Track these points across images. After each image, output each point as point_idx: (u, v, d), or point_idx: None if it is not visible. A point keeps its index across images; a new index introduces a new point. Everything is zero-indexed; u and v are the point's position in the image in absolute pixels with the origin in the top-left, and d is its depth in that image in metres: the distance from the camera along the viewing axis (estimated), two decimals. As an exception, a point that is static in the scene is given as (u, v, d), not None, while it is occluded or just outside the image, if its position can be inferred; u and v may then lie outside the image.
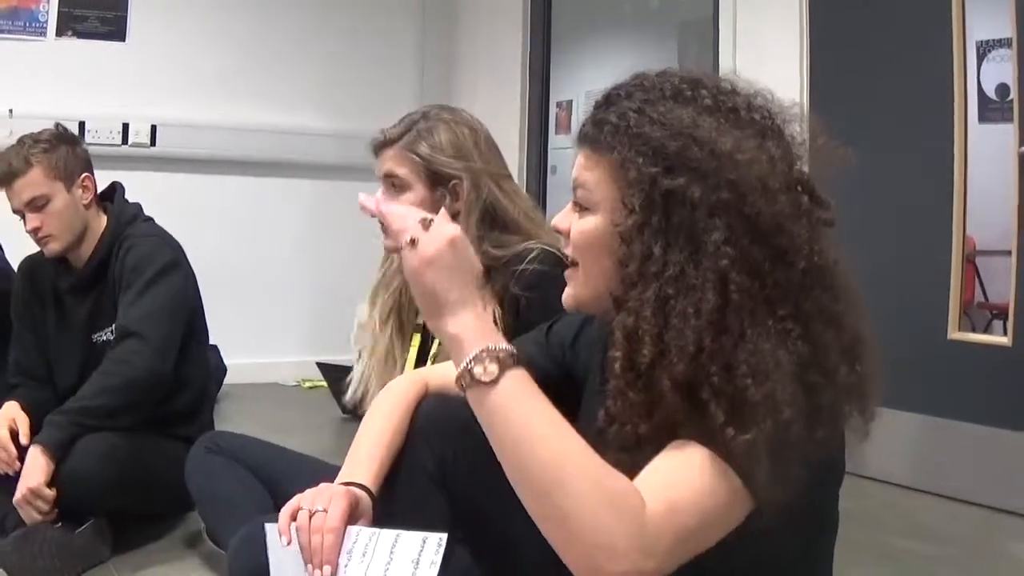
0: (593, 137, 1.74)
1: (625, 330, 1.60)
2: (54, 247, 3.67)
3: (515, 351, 1.60)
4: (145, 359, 3.46)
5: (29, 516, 3.25)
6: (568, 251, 1.83)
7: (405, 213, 1.76)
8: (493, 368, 1.56)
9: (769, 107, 1.70)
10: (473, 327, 1.62)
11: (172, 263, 3.70)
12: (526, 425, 1.54)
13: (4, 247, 4.34)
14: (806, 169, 1.69)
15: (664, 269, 1.58)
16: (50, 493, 3.25)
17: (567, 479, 1.48)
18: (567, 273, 1.84)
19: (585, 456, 1.51)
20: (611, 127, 1.70)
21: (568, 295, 1.84)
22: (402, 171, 2.86)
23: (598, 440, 1.61)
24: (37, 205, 3.60)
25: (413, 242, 1.67)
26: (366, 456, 2.13)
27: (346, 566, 1.89)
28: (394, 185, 2.88)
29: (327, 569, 1.87)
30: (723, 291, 1.53)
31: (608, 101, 1.75)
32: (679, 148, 1.60)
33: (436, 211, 2.81)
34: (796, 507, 1.50)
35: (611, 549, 1.44)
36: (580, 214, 1.77)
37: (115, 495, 3.39)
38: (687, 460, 1.52)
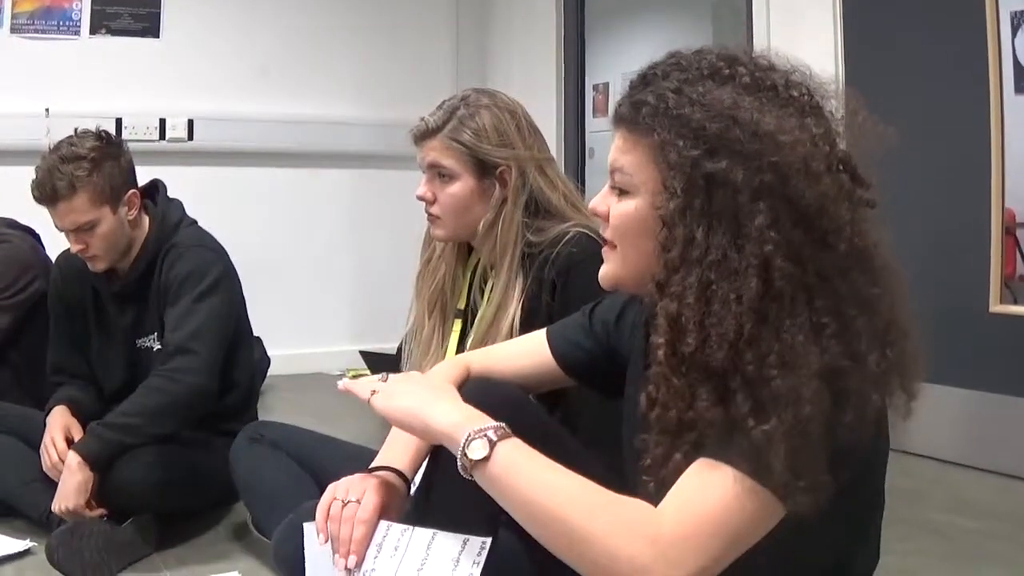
0: (631, 118, 1.72)
1: (669, 316, 1.59)
2: (100, 266, 3.64)
3: (501, 425, 1.72)
4: (195, 377, 3.44)
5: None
6: (607, 234, 1.82)
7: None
8: (483, 447, 1.68)
9: (808, 84, 1.68)
10: (456, 417, 1.77)
11: (220, 276, 3.65)
12: (528, 486, 1.64)
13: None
14: (845, 147, 1.67)
15: (707, 254, 1.56)
16: (90, 514, 3.28)
17: (578, 522, 1.56)
18: (604, 251, 1.85)
19: (588, 494, 1.60)
20: (650, 108, 1.67)
21: (605, 273, 1.85)
22: (448, 162, 2.85)
23: (642, 423, 1.63)
24: (83, 229, 3.53)
25: (374, 392, 1.89)
26: (404, 441, 2.13)
27: (375, 558, 1.89)
28: (440, 175, 2.88)
29: (352, 559, 1.89)
30: (766, 277, 1.52)
31: (645, 81, 1.73)
32: (720, 130, 1.58)
33: (486, 200, 2.84)
34: (833, 494, 1.51)
35: (635, 571, 1.50)
36: (619, 197, 1.76)
37: (162, 500, 3.43)
38: (712, 479, 1.53)
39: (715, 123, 1.59)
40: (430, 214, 2.92)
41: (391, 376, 1.90)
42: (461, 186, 2.85)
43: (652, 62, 1.76)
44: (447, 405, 1.81)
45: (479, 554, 1.83)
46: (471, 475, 1.69)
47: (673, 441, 1.57)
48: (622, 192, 1.75)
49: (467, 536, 1.86)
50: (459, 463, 1.70)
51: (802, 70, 1.70)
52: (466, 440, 1.69)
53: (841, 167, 1.61)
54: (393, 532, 1.92)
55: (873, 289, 1.57)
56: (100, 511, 3.31)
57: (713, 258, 1.56)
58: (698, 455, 1.55)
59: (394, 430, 2.16)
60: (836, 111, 1.68)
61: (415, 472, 2.10)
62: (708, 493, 1.52)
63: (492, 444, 1.67)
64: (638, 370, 2.00)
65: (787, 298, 1.52)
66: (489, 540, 1.84)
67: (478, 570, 1.81)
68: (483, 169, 2.84)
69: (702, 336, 1.54)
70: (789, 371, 1.49)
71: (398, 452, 2.12)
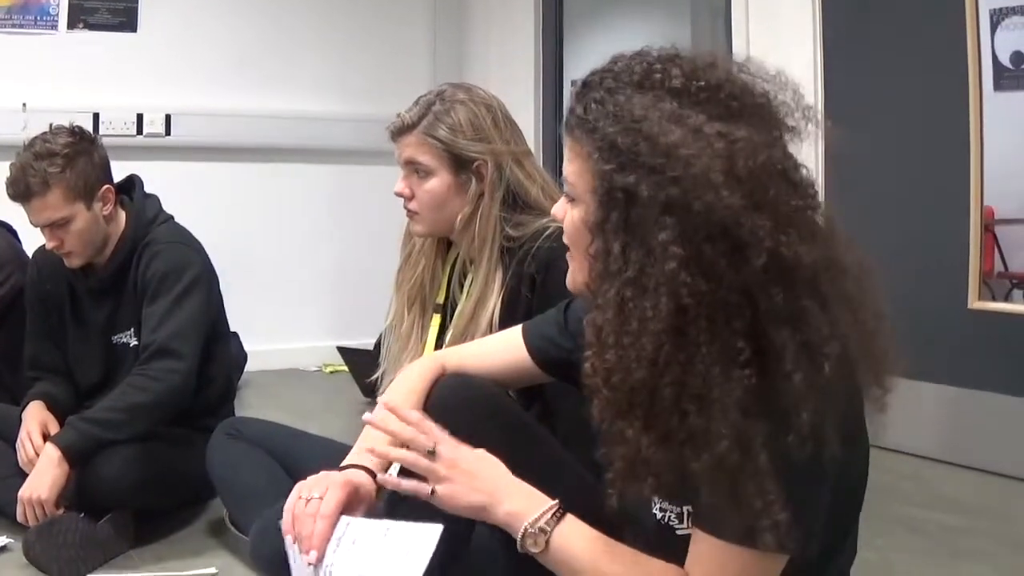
0: (571, 129, 1.73)
1: (594, 329, 1.61)
2: (75, 262, 3.64)
3: (555, 508, 1.79)
4: (178, 377, 3.45)
5: (26, 517, 3.24)
6: (565, 239, 1.83)
7: (410, 457, 1.89)
8: (541, 539, 1.76)
9: (752, 81, 1.65)
10: (518, 506, 1.81)
11: (199, 274, 3.65)
12: (582, 568, 1.75)
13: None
14: (800, 138, 1.65)
15: (623, 269, 1.56)
16: (57, 512, 3.25)
17: None
18: (568, 255, 1.85)
19: (637, 568, 1.72)
20: (576, 119, 1.70)
21: (568, 278, 1.87)
22: (424, 158, 2.84)
23: (602, 436, 1.64)
24: (57, 225, 3.52)
25: (433, 491, 1.85)
26: (374, 439, 2.12)
27: (334, 552, 1.91)
28: (417, 171, 2.86)
29: (313, 554, 1.91)
30: (675, 294, 1.50)
31: (585, 87, 1.73)
32: (628, 144, 1.57)
33: (463, 194, 2.82)
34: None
35: None
36: (571, 204, 1.77)
37: (140, 496, 3.41)
38: (721, 562, 1.60)
39: (625, 137, 1.58)
40: (408, 210, 2.91)
41: (441, 452, 1.87)
42: (438, 182, 2.84)
43: (595, 67, 1.75)
44: (505, 497, 1.83)
45: (431, 541, 1.86)
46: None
47: (632, 453, 1.58)
48: (571, 200, 1.77)
49: (421, 524, 1.89)
50: (519, 546, 1.79)
51: (748, 67, 1.67)
52: (524, 535, 1.77)
53: (768, 174, 1.55)
54: (354, 526, 1.95)
55: (801, 302, 1.52)
56: (63, 511, 3.28)
57: (629, 274, 1.55)
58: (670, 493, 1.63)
59: (367, 428, 2.17)
60: (788, 102, 1.65)
61: (384, 469, 2.10)
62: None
63: (547, 535, 1.76)
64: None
65: (702, 317, 1.50)
66: (441, 527, 1.87)
67: (428, 554, 1.84)
68: (459, 164, 2.83)
69: (619, 352, 1.55)
70: (706, 406, 1.49)
71: (371, 446, 2.11)
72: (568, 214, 1.77)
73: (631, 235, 1.56)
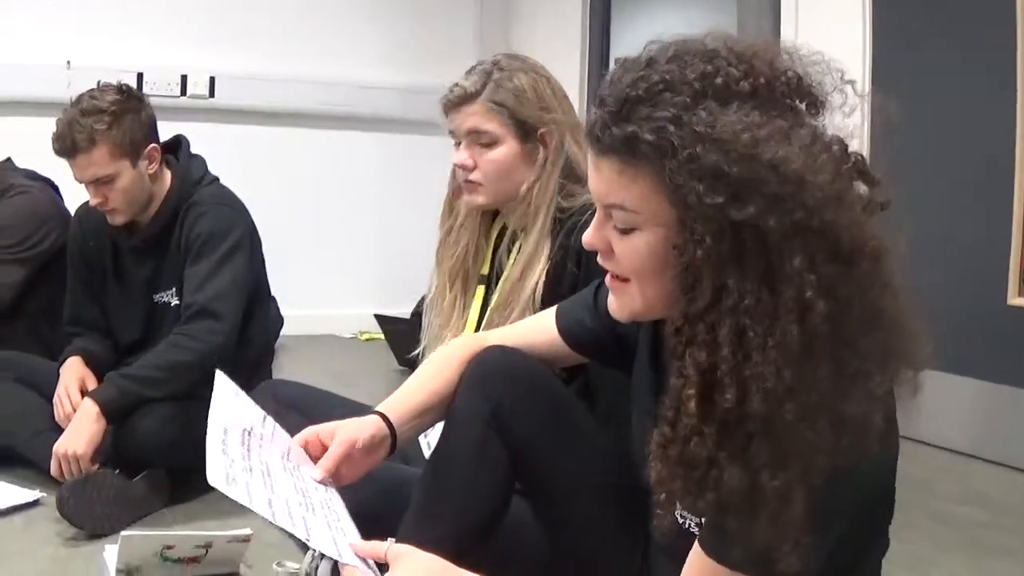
0: (624, 151, 1.56)
1: (699, 368, 1.47)
2: (119, 219, 3.66)
3: None
4: (220, 338, 3.48)
5: (60, 472, 3.27)
6: (615, 268, 1.70)
7: None
8: None
9: (794, 69, 1.56)
10: None
11: (242, 236, 3.68)
12: None
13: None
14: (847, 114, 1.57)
15: (741, 300, 1.44)
16: (92, 467, 3.28)
17: None
18: (610, 283, 1.74)
19: None
20: (649, 146, 1.51)
21: (620, 307, 1.75)
22: (490, 126, 2.79)
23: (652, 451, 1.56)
24: (102, 182, 3.55)
25: None
26: (404, 393, 2.19)
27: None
28: (481, 142, 2.82)
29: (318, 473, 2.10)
30: (805, 320, 1.42)
31: (628, 105, 1.56)
32: (743, 172, 1.43)
33: (529, 163, 2.79)
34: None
35: None
36: (624, 233, 1.63)
37: (175, 455, 3.39)
38: None
39: (736, 165, 1.44)
40: (469, 181, 2.85)
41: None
42: (504, 151, 2.80)
43: (625, 79, 1.59)
44: None
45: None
46: None
47: (689, 473, 1.50)
48: (626, 230, 1.62)
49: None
50: None
51: (781, 53, 1.58)
52: None
53: (857, 175, 1.52)
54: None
55: (883, 301, 1.47)
56: (98, 467, 3.31)
57: (748, 303, 1.44)
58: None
59: (409, 380, 2.23)
60: (827, 85, 1.57)
61: (410, 423, 2.16)
62: None
63: None
64: (644, 367, 2.02)
65: (823, 340, 1.42)
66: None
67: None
68: (524, 132, 2.79)
69: (742, 388, 1.43)
70: (812, 420, 1.42)
71: (394, 402, 2.19)
72: (624, 244, 1.64)
73: (748, 264, 1.45)
